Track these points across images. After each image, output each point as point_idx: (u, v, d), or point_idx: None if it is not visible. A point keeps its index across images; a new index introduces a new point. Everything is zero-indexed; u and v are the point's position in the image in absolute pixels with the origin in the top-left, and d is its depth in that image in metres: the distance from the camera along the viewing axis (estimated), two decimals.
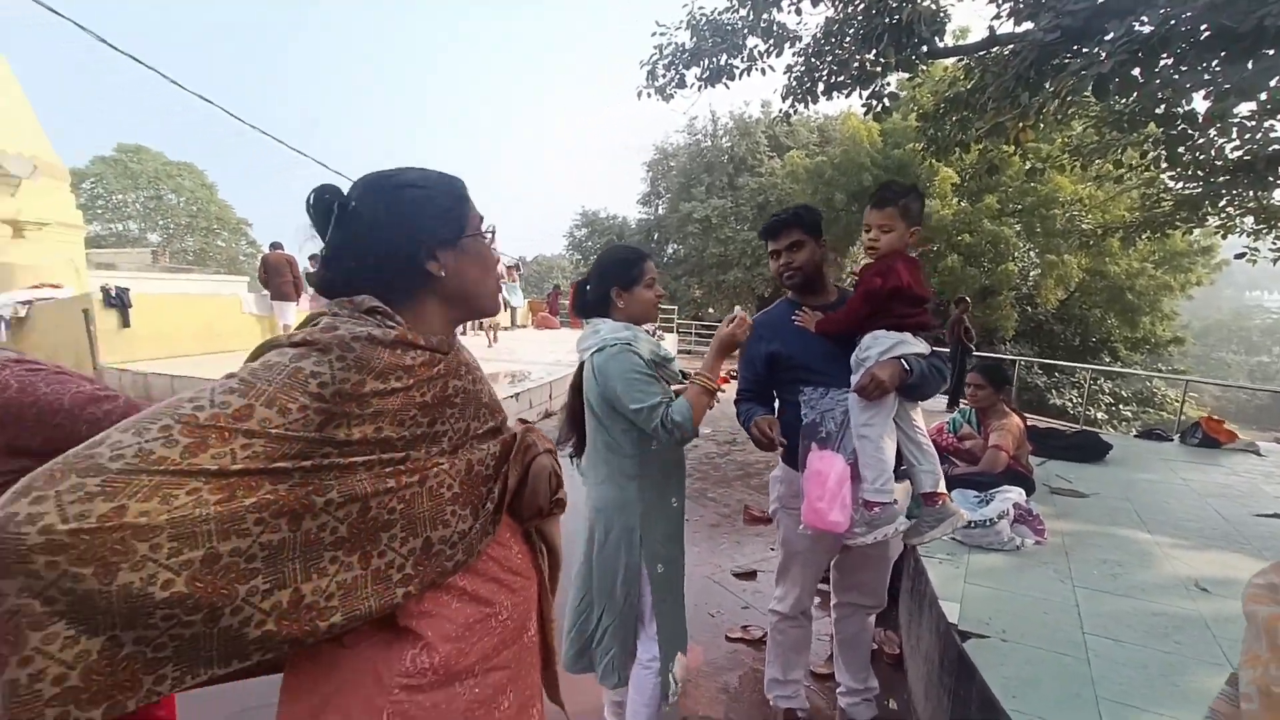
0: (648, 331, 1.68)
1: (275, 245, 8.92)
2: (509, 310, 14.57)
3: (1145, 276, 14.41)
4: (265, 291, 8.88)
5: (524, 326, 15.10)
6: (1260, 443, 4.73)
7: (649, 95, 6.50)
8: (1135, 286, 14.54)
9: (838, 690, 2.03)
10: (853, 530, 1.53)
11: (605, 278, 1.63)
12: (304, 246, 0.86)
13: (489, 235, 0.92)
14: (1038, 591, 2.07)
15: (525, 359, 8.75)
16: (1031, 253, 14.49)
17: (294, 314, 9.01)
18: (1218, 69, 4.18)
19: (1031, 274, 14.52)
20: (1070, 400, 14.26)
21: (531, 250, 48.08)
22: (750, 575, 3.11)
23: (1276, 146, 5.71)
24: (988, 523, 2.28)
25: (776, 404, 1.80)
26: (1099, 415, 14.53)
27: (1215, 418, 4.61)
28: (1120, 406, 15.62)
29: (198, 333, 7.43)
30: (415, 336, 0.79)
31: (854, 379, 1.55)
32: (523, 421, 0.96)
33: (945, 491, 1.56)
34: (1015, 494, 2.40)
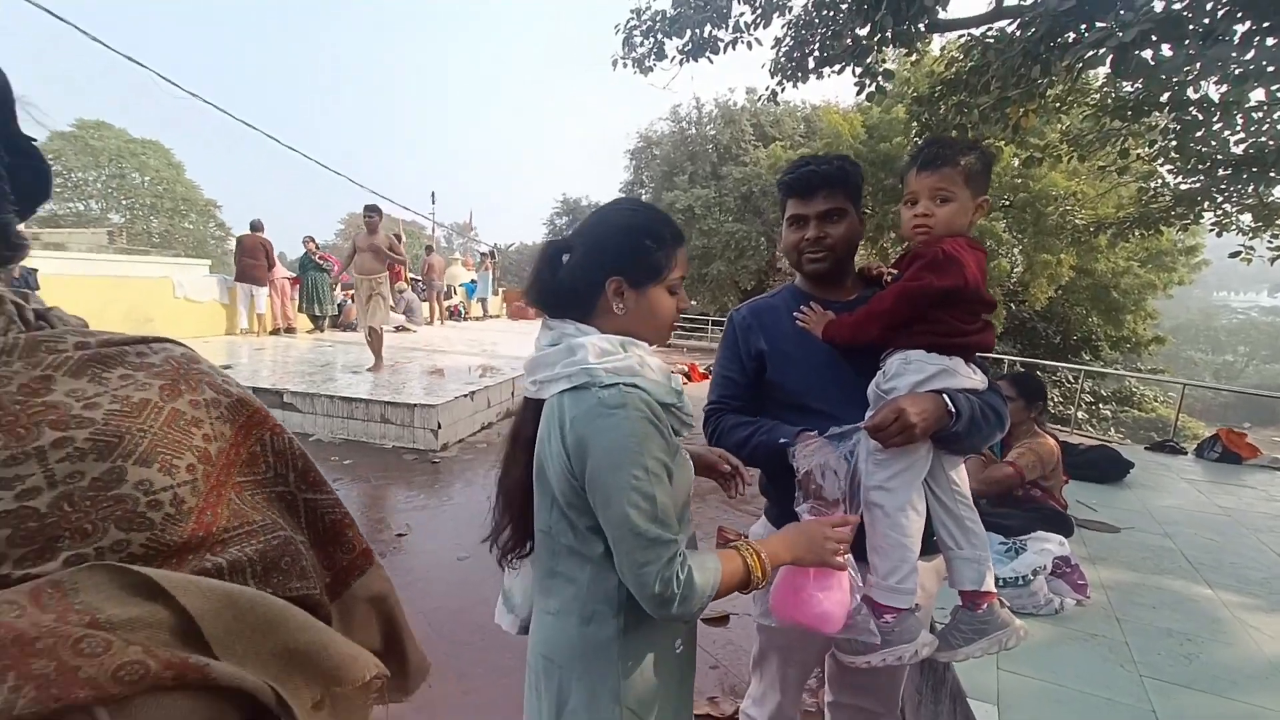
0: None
1: (255, 226, 8.47)
2: (479, 301, 14.05)
3: (1130, 275, 14.27)
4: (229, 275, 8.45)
5: (497, 316, 14.49)
6: None
7: (625, 65, 5.95)
8: (1120, 285, 14.40)
9: None
10: (853, 644, 1.03)
11: (606, 255, 0.94)
12: None
13: None
14: (1098, 685, 1.62)
15: (493, 351, 8.18)
16: (1016, 250, 14.26)
17: (265, 299, 8.57)
18: (1235, 53, 3.81)
19: (1015, 271, 14.29)
20: (1052, 399, 14.12)
21: (511, 237, 47.13)
22: (722, 620, 2.64)
23: None
24: (1020, 581, 1.82)
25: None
26: (1080, 415, 14.43)
27: (1237, 430, 4.25)
28: (1100, 405, 15.60)
29: (120, 318, 6.70)
30: None
31: (869, 415, 1.05)
32: None
33: (994, 590, 1.07)
34: (1053, 543, 1.94)
